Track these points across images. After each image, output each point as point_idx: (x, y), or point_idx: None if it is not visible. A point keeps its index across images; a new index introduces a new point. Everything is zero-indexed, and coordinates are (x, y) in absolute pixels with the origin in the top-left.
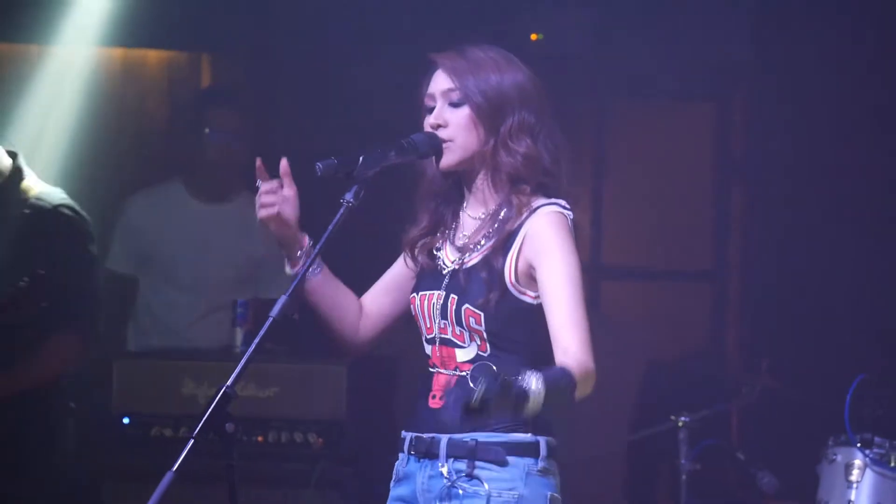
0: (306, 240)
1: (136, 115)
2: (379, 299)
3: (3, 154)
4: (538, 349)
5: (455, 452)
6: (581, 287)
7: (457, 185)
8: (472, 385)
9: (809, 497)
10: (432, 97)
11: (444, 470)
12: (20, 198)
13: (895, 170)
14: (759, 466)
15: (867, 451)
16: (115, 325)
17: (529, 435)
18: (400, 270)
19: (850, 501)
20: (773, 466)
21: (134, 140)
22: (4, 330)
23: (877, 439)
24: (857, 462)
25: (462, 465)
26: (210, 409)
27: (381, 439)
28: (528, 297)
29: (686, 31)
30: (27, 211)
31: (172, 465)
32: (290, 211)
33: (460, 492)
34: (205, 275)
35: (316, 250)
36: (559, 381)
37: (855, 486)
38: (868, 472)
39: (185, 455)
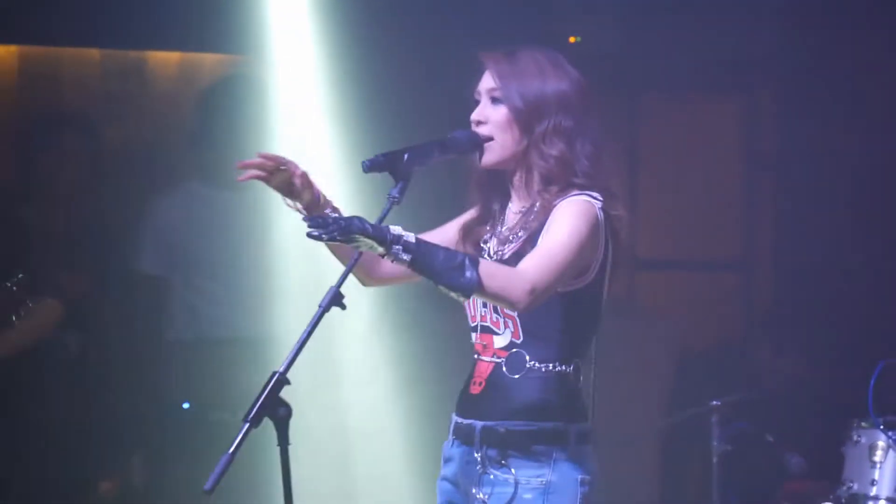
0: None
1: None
2: None
3: None
4: (571, 335)
5: (487, 440)
6: (569, 244)
7: (504, 181)
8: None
9: (835, 477)
10: (479, 94)
11: (479, 456)
12: None
13: None
14: (787, 448)
15: (890, 433)
16: (153, 325)
17: (558, 423)
18: (441, 235)
19: (873, 481)
20: (801, 448)
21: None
22: None
23: None
24: (881, 443)
25: (494, 453)
26: (264, 395)
27: (426, 423)
28: None
29: (715, 28)
30: None
31: (229, 448)
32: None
33: (491, 477)
34: (237, 262)
35: (353, 260)
36: (440, 255)
37: (878, 466)
38: (891, 452)
39: (241, 438)
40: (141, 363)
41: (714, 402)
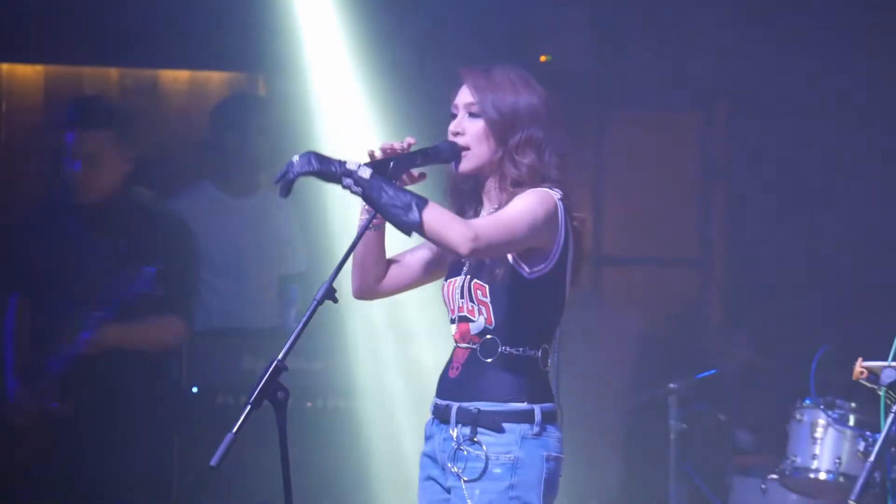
0: None
1: (199, 129)
2: (405, 268)
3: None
4: (539, 321)
5: (462, 419)
6: (520, 216)
7: (477, 189)
8: None
9: (780, 452)
10: (457, 107)
11: (454, 434)
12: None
13: (850, 167)
14: (737, 426)
15: (829, 412)
16: None
17: (525, 404)
18: (426, 252)
19: (814, 455)
20: (750, 426)
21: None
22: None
23: (837, 402)
24: (821, 421)
25: (467, 431)
26: (263, 380)
27: (410, 405)
28: (524, 271)
29: (675, 50)
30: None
31: (233, 428)
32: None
33: (465, 453)
34: (242, 261)
35: (353, 243)
36: (389, 192)
37: (819, 441)
38: (830, 429)
39: (244, 419)
40: (155, 353)
41: (671, 385)
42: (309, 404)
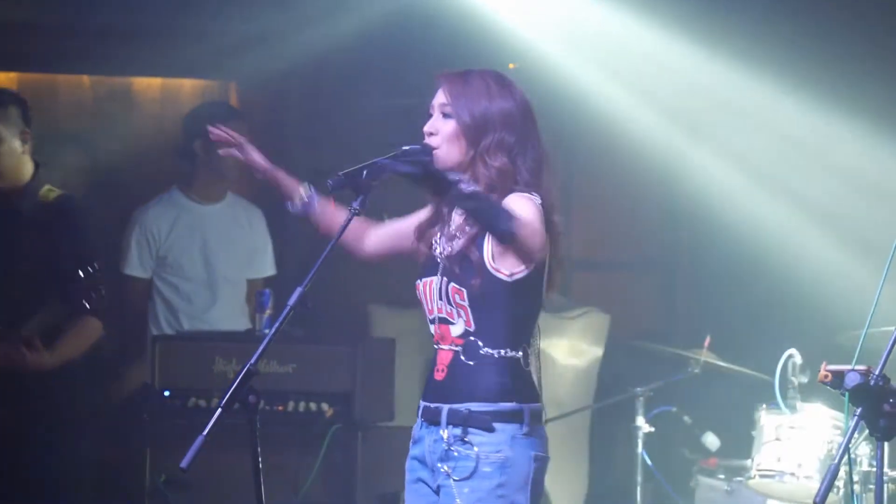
0: (299, 187)
1: (172, 136)
2: (386, 237)
3: (28, 161)
4: (517, 322)
5: (453, 420)
6: (521, 214)
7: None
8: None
9: (745, 454)
10: (432, 108)
11: (445, 435)
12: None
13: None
14: (703, 428)
15: (793, 416)
16: (138, 321)
17: (514, 404)
18: (407, 225)
19: (779, 457)
20: (715, 428)
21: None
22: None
23: (799, 405)
24: (785, 424)
25: (458, 431)
26: (235, 383)
27: (383, 408)
28: (502, 275)
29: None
30: (46, 210)
31: (204, 430)
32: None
33: (455, 454)
34: (211, 266)
35: (327, 249)
36: (480, 199)
37: (783, 444)
38: (793, 432)
39: (215, 422)
40: (127, 357)
41: (638, 389)
42: (280, 408)
